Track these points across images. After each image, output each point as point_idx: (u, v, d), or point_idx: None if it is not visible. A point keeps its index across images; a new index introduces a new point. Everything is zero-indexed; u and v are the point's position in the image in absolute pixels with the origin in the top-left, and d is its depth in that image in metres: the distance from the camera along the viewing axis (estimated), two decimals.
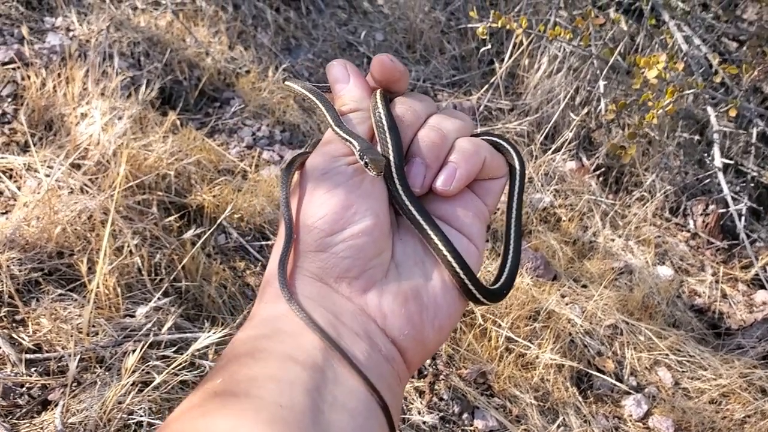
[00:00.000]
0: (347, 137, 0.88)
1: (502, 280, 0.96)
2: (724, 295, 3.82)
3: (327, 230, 0.84)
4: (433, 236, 0.87)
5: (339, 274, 0.84)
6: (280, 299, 0.82)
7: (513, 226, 1.00)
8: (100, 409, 1.95)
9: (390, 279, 0.86)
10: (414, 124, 0.92)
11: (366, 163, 0.84)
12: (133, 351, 2.03)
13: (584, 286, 3.42)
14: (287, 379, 0.72)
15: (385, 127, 0.89)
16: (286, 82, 1.09)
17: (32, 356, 2.11)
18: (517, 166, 0.99)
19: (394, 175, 0.88)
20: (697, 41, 3.80)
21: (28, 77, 3.02)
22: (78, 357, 2.10)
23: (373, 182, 0.87)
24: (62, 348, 2.17)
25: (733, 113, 3.26)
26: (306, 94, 1.03)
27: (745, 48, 4.30)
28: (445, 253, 0.87)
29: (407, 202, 0.88)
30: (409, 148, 0.91)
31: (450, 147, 0.90)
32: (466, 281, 0.88)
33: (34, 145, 2.79)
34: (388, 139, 0.89)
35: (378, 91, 0.94)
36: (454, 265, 0.87)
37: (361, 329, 0.82)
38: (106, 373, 2.13)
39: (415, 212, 0.88)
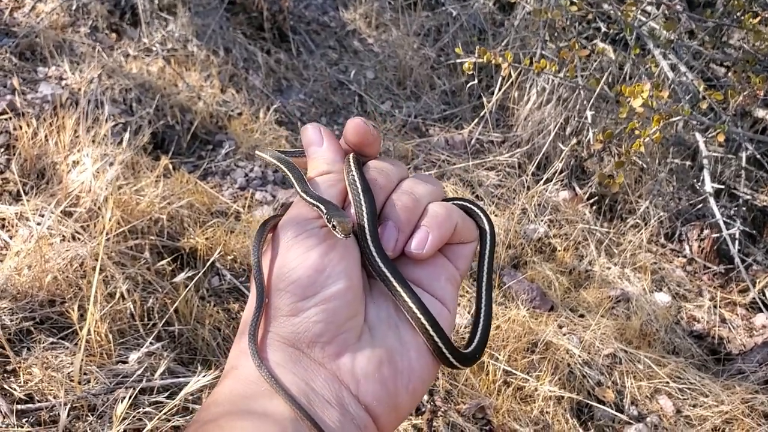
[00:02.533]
0: (314, 201, 0.89)
1: (474, 343, 0.96)
2: (723, 320, 3.79)
3: (299, 294, 0.83)
4: (407, 299, 0.87)
5: (311, 339, 0.83)
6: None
7: (484, 289, 1.00)
8: None
9: (363, 343, 0.85)
10: (387, 188, 0.92)
11: (333, 225, 0.84)
12: (124, 398, 2.01)
13: (581, 316, 3.40)
14: None
15: (359, 190, 0.90)
16: (257, 152, 1.10)
17: (23, 407, 2.10)
18: (488, 230, 1.01)
19: (368, 237, 0.88)
20: (683, 68, 3.83)
21: (20, 127, 3.05)
22: (69, 406, 2.09)
23: (346, 245, 0.87)
24: (54, 397, 2.16)
25: (721, 138, 3.27)
26: (274, 163, 1.04)
27: (730, 74, 4.33)
28: (419, 316, 0.86)
29: (381, 265, 0.88)
30: (382, 211, 0.91)
31: (422, 211, 0.91)
32: (441, 345, 0.87)
33: (26, 194, 2.81)
34: (362, 202, 0.89)
35: (351, 155, 0.95)
36: (429, 329, 0.86)
37: (333, 396, 0.81)
38: (98, 421, 2.12)
39: (388, 275, 0.87)
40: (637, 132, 3.00)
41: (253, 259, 0.91)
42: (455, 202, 0.99)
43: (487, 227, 1.01)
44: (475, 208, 1.02)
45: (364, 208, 0.89)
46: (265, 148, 1.07)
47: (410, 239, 0.90)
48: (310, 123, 0.98)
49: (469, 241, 0.97)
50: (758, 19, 3.54)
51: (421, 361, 0.88)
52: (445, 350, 0.88)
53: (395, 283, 0.87)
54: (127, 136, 3.22)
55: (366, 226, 0.88)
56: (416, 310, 0.86)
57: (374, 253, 0.88)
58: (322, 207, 0.87)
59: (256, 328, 0.84)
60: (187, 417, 2.18)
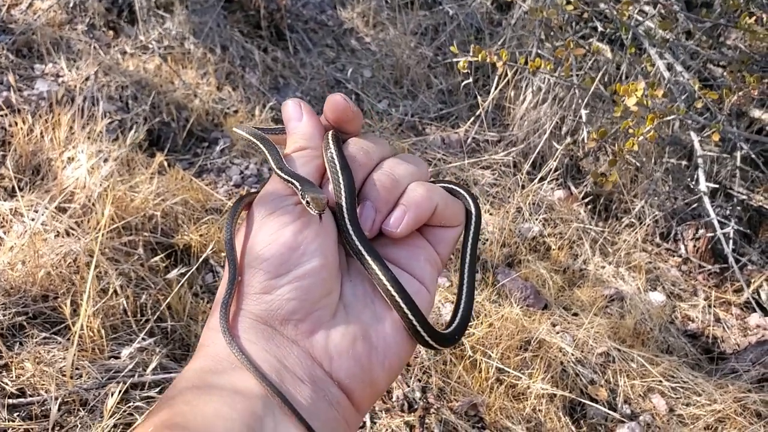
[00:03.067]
0: (288, 178, 0.88)
1: (454, 325, 0.95)
2: (718, 319, 3.80)
3: (272, 272, 0.83)
4: (382, 277, 0.86)
5: (284, 317, 0.82)
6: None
7: (466, 272, 1.00)
8: None
9: (338, 320, 0.85)
10: (366, 165, 0.92)
11: (307, 202, 0.84)
12: (114, 393, 2.02)
13: (575, 315, 3.41)
14: (225, 426, 0.72)
15: (337, 167, 0.89)
16: (234, 128, 1.09)
17: (15, 401, 2.11)
18: (473, 212, 0.99)
19: (345, 216, 0.88)
20: (679, 68, 3.84)
21: (16, 123, 3.06)
22: (60, 400, 2.10)
23: (321, 222, 0.86)
24: (45, 392, 2.17)
25: (716, 138, 3.28)
26: (249, 139, 1.03)
27: (725, 73, 4.33)
28: (394, 293, 0.86)
29: (357, 243, 0.87)
30: (361, 190, 0.91)
31: (402, 191, 0.91)
32: (416, 324, 0.87)
33: (21, 189, 2.81)
34: (340, 180, 0.89)
35: (330, 132, 0.94)
36: (403, 306, 0.86)
37: (305, 374, 0.81)
38: (89, 415, 2.12)
39: (364, 253, 0.87)
40: (631, 131, 3.00)
41: (226, 236, 0.90)
42: (442, 184, 0.98)
43: (473, 210, 0.99)
44: (461, 191, 1.00)
45: (342, 186, 0.88)
46: (243, 125, 1.05)
47: (387, 217, 0.89)
48: (291, 98, 0.97)
49: (452, 225, 0.96)
50: (754, 18, 3.54)
51: (396, 338, 0.87)
52: (420, 329, 0.87)
53: (371, 261, 0.87)
54: (122, 133, 3.23)
55: (343, 204, 0.88)
56: (390, 288, 0.86)
57: (351, 232, 0.88)
58: (297, 183, 0.86)
59: (228, 305, 0.83)
60: None
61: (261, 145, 1.00)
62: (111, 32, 4.36)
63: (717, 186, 3.86)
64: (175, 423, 0.72)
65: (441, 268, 0.96)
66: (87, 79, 3.65)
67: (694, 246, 4.14)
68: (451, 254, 0.97)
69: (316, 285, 0.83)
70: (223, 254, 3.02)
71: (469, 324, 0.98)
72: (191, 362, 0.83)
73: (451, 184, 1.01)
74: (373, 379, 0.85)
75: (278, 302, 0.82)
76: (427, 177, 0.96)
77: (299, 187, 0.86)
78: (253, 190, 0.96)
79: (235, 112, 4.10)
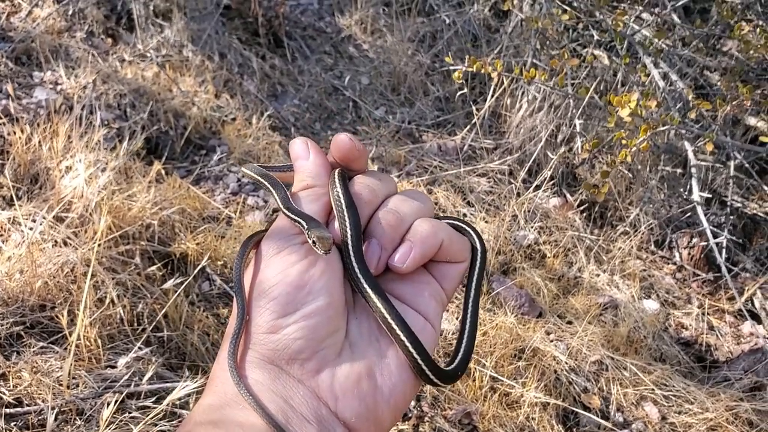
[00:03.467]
0: (295, 217, 0.89)
1: (456, 361, 0.96)
2: (711, 327, 3.82)
3: (279, 311, 0.84)
4: (387, 316, 0.87)
5: (291, 356, 0.84)
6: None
7: (470, 307, 1.00)
8: None
9: (343, 358, 0.86)
10: (372, 202, 0.93)
11: (313, 241, 0.86)
12: (110, 403, 2.05)
13: (569, 323, 3.43)
14: None
15: (343, 206, 0.90)
16: (242, 168, 1.10)
17: (12, 410, 2.13)
18: (479, 249, 1.00)
19: (351, 253, 0.89)
20: (674, 77, 3.86)
21: (14, 132, 3.09)
22: (57, 410, 2.12)
23: (327, 260, 0.87)
24: (42, 401, 2.19)
25: (710, 147, 3.30)
26: (257, 179, 1.05)
27: (719, 82, 4.36)
28: (399, 332, 0.87)
29: (362, 281, 0.88)
30: (367, 227, 0.92)
31: (407, 228, 0.92)
32: (420, 362, 0.88)
33: (19, 198, 2.84)
34: (346, 217, 0.90)
35: (337, 171, 0.95)
36: (408, 345, 0.87)
37: (311, 413, 0.82)
38: (86, 425, 2.15)
39: (369, 291, 0.88)
40: (624, 142, 3.03)
41: (235, 276, 0.91)
42: (447, 221, 0.99)
43: (478, 246, 1.01)
44: (467, 227, 1.02)
45: (347, 223, 0.89)
46: (251, 165, 1.06)
47: (393, 253, 0.90)
48: (299, 137, 0.99)
49: (457, 261, 0.97)
50: (747, 29, 3.57)
51: (402, 376, 0.88)
52: (425, 368, 0.88)
53: (375, 299, 0.88)
54: (120, 141, 3.25)
55: (349, 241, 0.89)
56: (395, 326, 0.87)
57: (356, 270, 0.89)
58: (303, 222, 0.88)
59: (236, 345, 0.85)
60: (174, 422, 2.22)
61: (268, 185, 1.02)
62: (110, 40, 4.39)
63: (710, 196, 3.88)
64: None
65: (446, 303, 0.97)
66: (85, 87, 3.68)
67: (689, 254, 4.16)
68: (456, 290, 0.99)
69: (323, 324, 0.84)
70: (220, 263, 3.05)
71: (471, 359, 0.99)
72: (203, 397, 0.86)
73: (456, 220, 1.02)
74: (378, 417, 0.86)
75: (285, 341, 0.83)
76: (432, 213, 0.97)
77: (305, 227, 0.88)
78: (261, 229, 0.97)
79: (233, 119, 4.12)
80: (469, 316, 1.00)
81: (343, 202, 0.91)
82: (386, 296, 0.89)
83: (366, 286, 0.88)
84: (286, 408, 0.81)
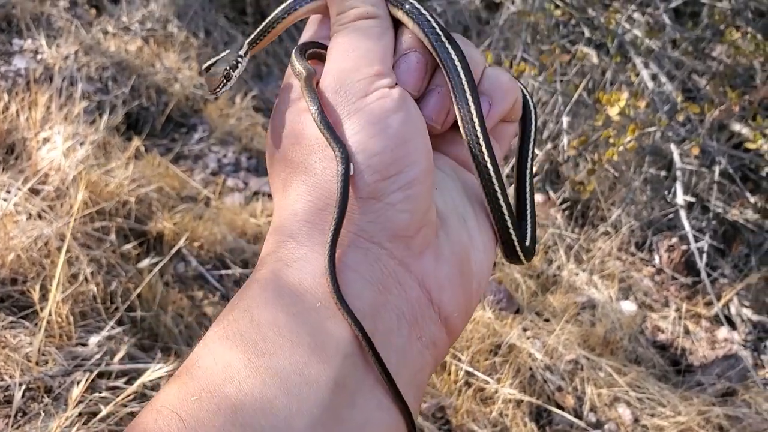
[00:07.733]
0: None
1: (527, 237, 0.82)
2: (687, 331, 3.84)
3: (382, 172, 0.64)
4: (497, 188, 0.73)
5: (395, 232, 0.65)
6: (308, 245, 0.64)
7: (528, 178, 0.87)
8: None
9: (441, 240, 0.69)
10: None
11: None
12: (81, 381, 1.99)
13: (546, 320, 3.42)
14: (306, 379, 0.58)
15: (443, 39, 0.71)
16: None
17: None
18: (532, 108, 0.86)
19: (470, 103, 0.71)
20: (663, 78, 3.86)
21: None
22: (24, 386, 2.06)
23: (417, 113, 0.69)
24: (10, 377, 2.13)
25: (695, 151, 3.30)
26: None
27: (707, 86, 4.37)
28: (502, 203, 0.73)
29: (485, 147, 0.71)
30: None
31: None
32: (514, 238, 0.76)
33: None
34: (451, 52, 0.71)
35: None
36: (507, 219, 0.74)
37: (407, 310, 0.65)
38: (54, 403, 2.09)
39: (486, 156, 0.72)
40: (611, 141, 3.02)
41: (315, 111, 0.65)
42: None
43: (531, 105, 0.86)
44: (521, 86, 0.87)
45: (456, 60, 0.71)
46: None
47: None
48: None
49: (512, 120, 0.80)
50: (738, 35, 3.57)
51: (488, 258, 0.74)
52: (517, 244, 0.76)
53: (489, 163, 0.72)
54: (100, 115, 3.18)
55: (466, 84, 0.71)
56: (500, 198, 0.73)
57: (476, 122, 0.71)
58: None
59: (341, 213, 0.63)
60: (143, 403, 2.17)
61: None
62: (93, 10, 4.29)
63: (693, 200, 3.89)
64: None
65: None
66: (66, 57, 3.59)
67: (669, 257, 4.17)
68: (508, 150, 0.86)
69: (424, 194, 0.66)
70: (196, 244, 3.00)
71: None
72: (263, 266, 0.66)
73: None
74: (469, 309, 0.71)
75: (390, 212, 0.64)
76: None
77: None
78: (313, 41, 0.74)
79: (215, 98, 4.05)
80: (528, 186, 0.86)
81: (441, 34, 0.71)
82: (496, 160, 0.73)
83: (485, 149, 0.72)
84: (379, 304, 0.63)
